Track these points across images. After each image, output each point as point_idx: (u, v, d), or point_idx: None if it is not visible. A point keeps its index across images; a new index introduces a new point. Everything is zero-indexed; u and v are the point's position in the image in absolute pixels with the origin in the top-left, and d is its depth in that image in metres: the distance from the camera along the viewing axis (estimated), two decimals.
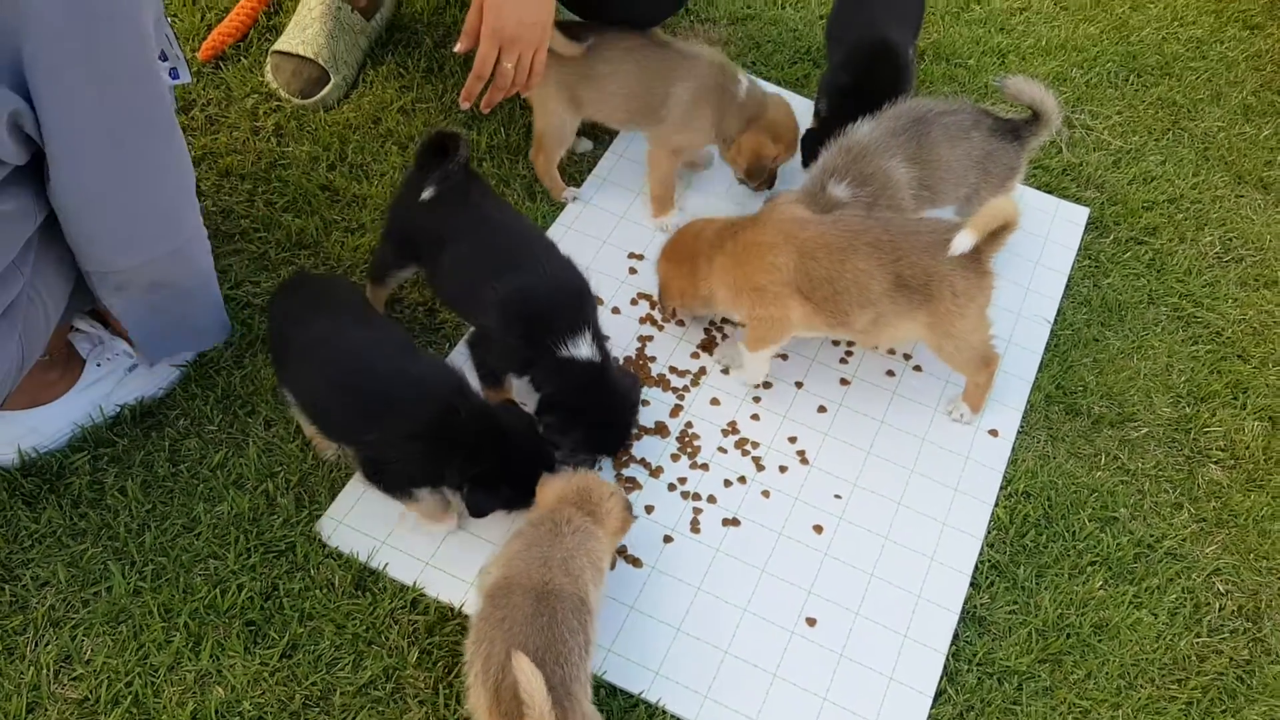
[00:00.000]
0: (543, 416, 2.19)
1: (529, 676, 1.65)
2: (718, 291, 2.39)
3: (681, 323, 2.59)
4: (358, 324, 2.15)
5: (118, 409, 2.25)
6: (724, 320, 2.59)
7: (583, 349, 2.17)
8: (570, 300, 2.20)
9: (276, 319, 2.23)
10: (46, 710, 1.90)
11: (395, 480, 2.09)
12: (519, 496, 2.09)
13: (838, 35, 2.88)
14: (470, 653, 1.81)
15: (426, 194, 2.23)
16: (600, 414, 2.21)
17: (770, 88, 2.80)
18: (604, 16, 2.63)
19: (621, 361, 2.50)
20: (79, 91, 1.64)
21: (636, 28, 2.63)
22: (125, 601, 2.03)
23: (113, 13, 1.61)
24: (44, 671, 1.94)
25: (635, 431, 2.38)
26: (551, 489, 2.04)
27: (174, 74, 2.35)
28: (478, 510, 2.07)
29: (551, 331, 2.15)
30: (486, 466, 2.05)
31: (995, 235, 2.23)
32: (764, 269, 2.30)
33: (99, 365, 2.24)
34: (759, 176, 2.70)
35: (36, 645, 1.97)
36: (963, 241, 2.21)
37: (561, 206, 2.77)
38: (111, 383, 2.25)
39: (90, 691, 1.93)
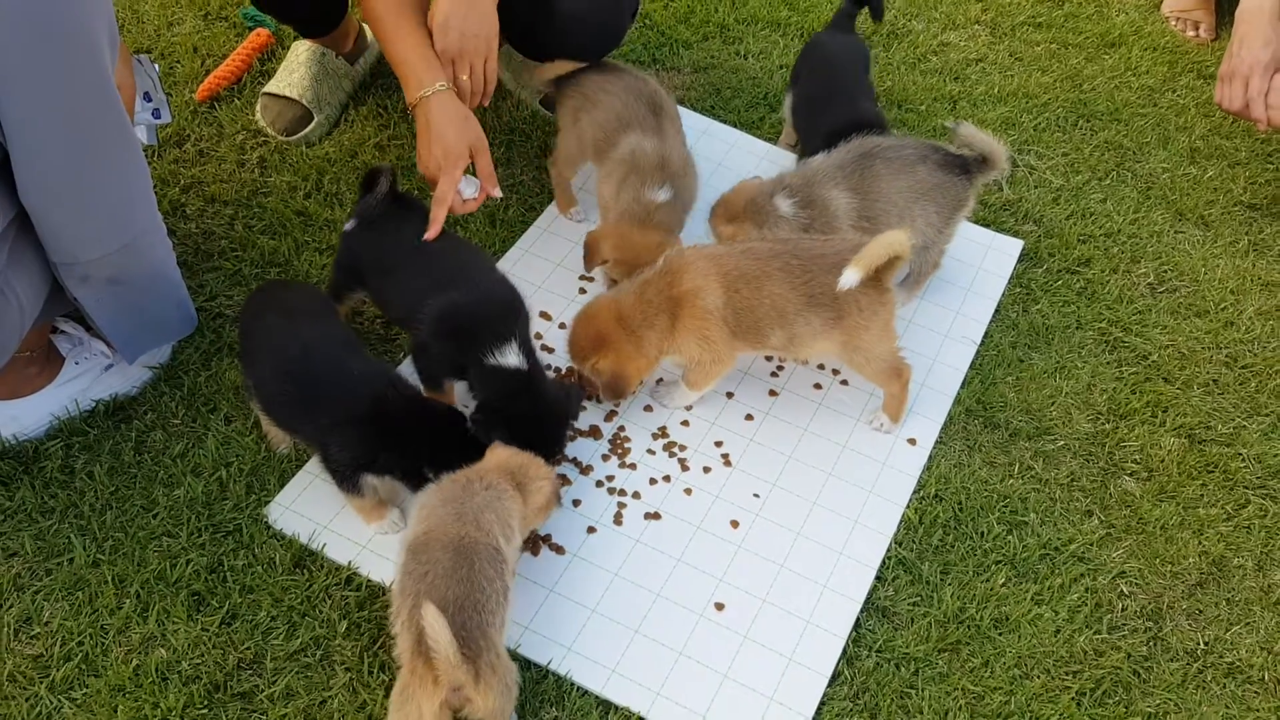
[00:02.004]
0: (474, 417, 2.36)
1: (433, 623, 1.79)
2: (686, 349, 2.50)
3: None
4: (311, 323, 2.36)
5: (93, 403, 2.46)
6: None
7: (510, 358, 2.34)
8: (498, 313, 2.38)
9: (245, 317, 2.43)
10: (5, 663, 2.08)
11: (341, 466, 2.27)
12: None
13: (811, 122, 3.02)
14: (396, 603, 1.97)
15: (349, 225, 2.49)
16: (525, 419, 2.34)
17: (729, 130, 2.99)
18: (543, 53, 2.86)
19: (564, 373, 2.68)
20: (37, 99, 1.87)
21: (578, 60, 2.85)
22: (84, 571, 2.22)
23: (66, 30, 1.84)
24: (4, 630, 2.13)
25: (569, 431, 2.54)
26: (498, 455, 2.20)
27: (157, 114, 2.62)
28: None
29: (479, 342, 2.33)
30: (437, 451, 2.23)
31: (889, 265, 2.38)
32: (700, 314, 2.45)
33: (77, 364, 2.46)
34: None
35: (1, 608, 2.16)
36: (849, 278, 2.36)
37: (520, 232, 2.98)
38: (88, 380, 2.46)
39: (45, 649, 2.11)
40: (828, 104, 2.97)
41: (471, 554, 1.96)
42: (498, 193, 2.62)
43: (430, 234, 2.46)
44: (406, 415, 2.24)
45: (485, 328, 2.35)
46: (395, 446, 2.23)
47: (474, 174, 2.59)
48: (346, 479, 2.28)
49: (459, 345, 2.36)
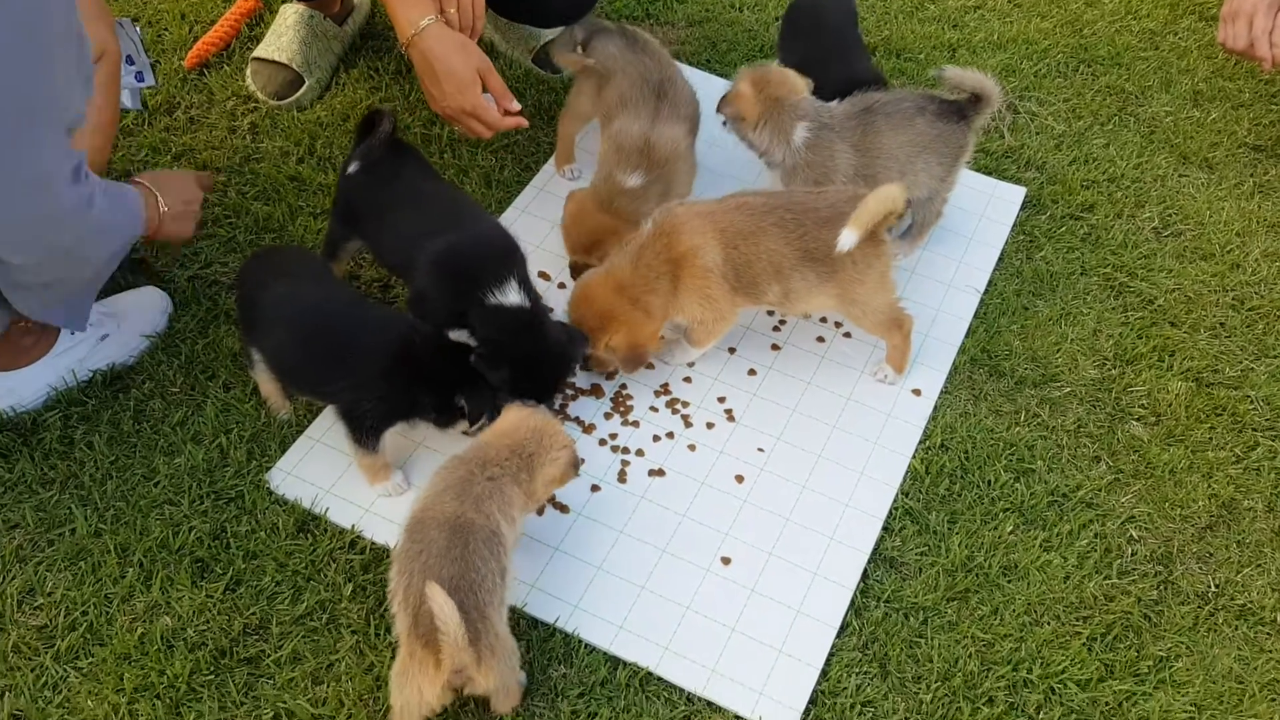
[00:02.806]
0: (477, 351, 2.33)
1: (442, 605, 1.79)
2: (688, 310, 2.47)
3: None
4: (318, 285, 2.34)
5: (90, 373, 2.44)
6: None
7: (511, 296, 2.32)
8: (496, 254, 2.36)
9: (246, 287, 2.40)
10: (9, 634, 2.08)
11: (374, 423, 2.25)
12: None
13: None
14: (393, 583, 1.96)
15: (351, 168, 2.44)
16: (529, 356, 2.33)
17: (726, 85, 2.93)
18: (517, 15, 2.82)
19: None
20: None
21: (550, 25, 2.81)
22: (86, 541, 2.21)
23: None
24: (8, 601, 2.12)
25: (570, 390, 2.53)
26: (511, 417, 2.15)
27: (140, 77, 2.59)
28: (476, 416, 2.27)
29: (478, 283, 2.31)
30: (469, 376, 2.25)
31: (883, 221, 2.35)
32: (700, 273, 2.42)
33: (72, 334, 2.44)
34: None
35: (3, 579, 2.16)
36: (847, 239, 2.33)
37: (516, 192, 2.95)
38: (84, 349, 2.44)
39: (50, 619, 2.11)
40: (824, 66, 2.90)
41: (467, 534, 1.93)
42: (516, 106, 2.62)
43: (525, 124, 2.62)
44: (436, 354, 2.25)
45: (484, 268, 2.34)
46: (431, 388, 2.23)
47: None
48: (371, 434, 2.26)
49: (457, 288, 2.34)
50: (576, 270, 2.69)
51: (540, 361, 2.36)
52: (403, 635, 1.90)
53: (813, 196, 2.44)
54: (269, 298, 2.30)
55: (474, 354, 2.30)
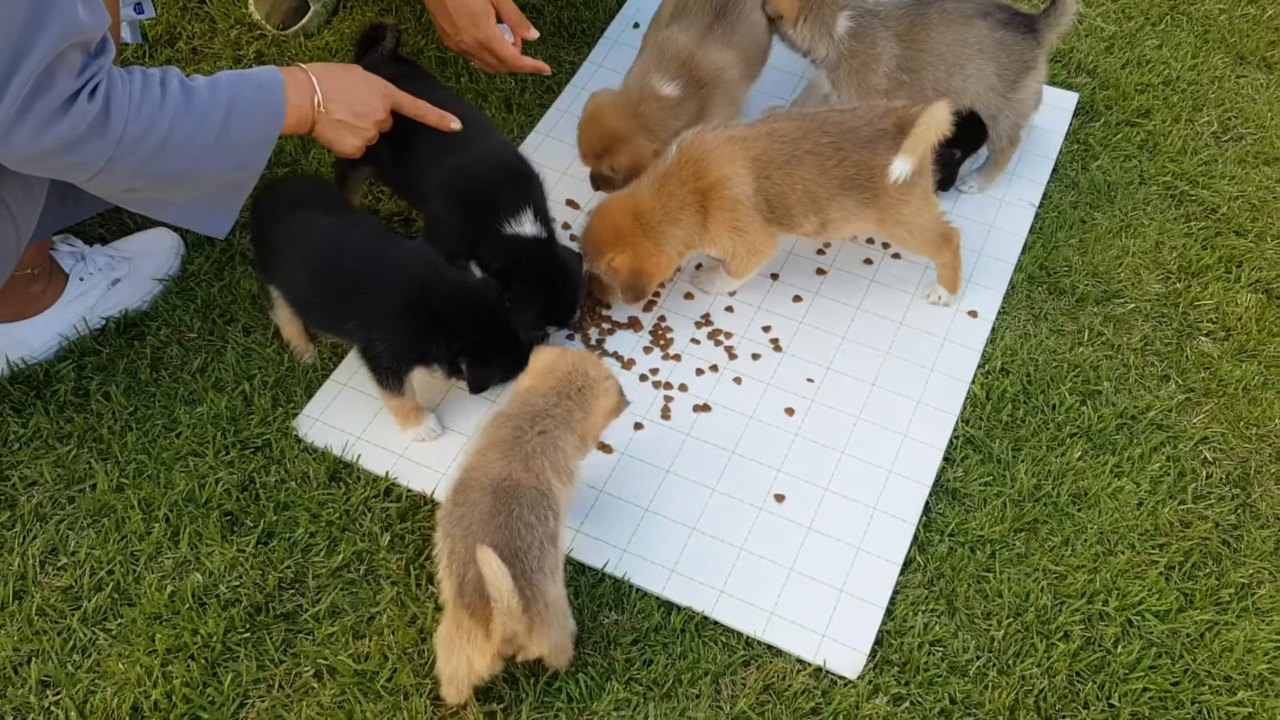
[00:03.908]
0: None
1: (495, 571, 1.67)
2: (719, 243, 2.32)
3: None
4: (334, 211, 2.21)
5: (102, 321, 2.32)
6: None
7: (525, 226, 2.19)
8: (510, 178, 2.22)
9: (260, 221, 2.26)
10: (33, 596, 1.98)
11: (388, 364, 2.13)
12: (514, 365, 2.12)
13: None
14: (438, 547, 1.84)
15: None
16: (545, 286, 2.23)
17: None
18: None
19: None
20: None
21: None
22: (108, 497, 2.10)
23: None
24: (30, 562, 2.02)
25: (606, 324, 2.40)
26: (543, 360, 2.00)
27: (139, 8, 2.42)
28: (478, 386, 2.12)
29: (493, 209, 2.17)
30: (475, 340, 2.09)
31: (933, 145, 2.20)
32: (730, 205, 2.26)
33: (82, 280, 2.32)
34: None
35: (24, 539, 2.05)
36: (900, 168, 2.19)
37: (538, 116, 2.79)
38: (95, 296, 2.32)
39: (75, 580, 2.01)
40: None
41: (511, 498, 1.81)
42: (533, 33, 2.49)
43: (547, 70, 2.51)
44: (452, 299, 2.11)
45: (498, 193, 2.22)
46: (442, 337, 2.10)
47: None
48: (390, 375, 2.14)
49: (469, 214, 2.22)
50: (595, 181, 2.55)
51: (554, 279, 2.25)
52: (449, 602, 1.80)
53: (848, 116, 2.28)
54: (282, 230, 2.17)
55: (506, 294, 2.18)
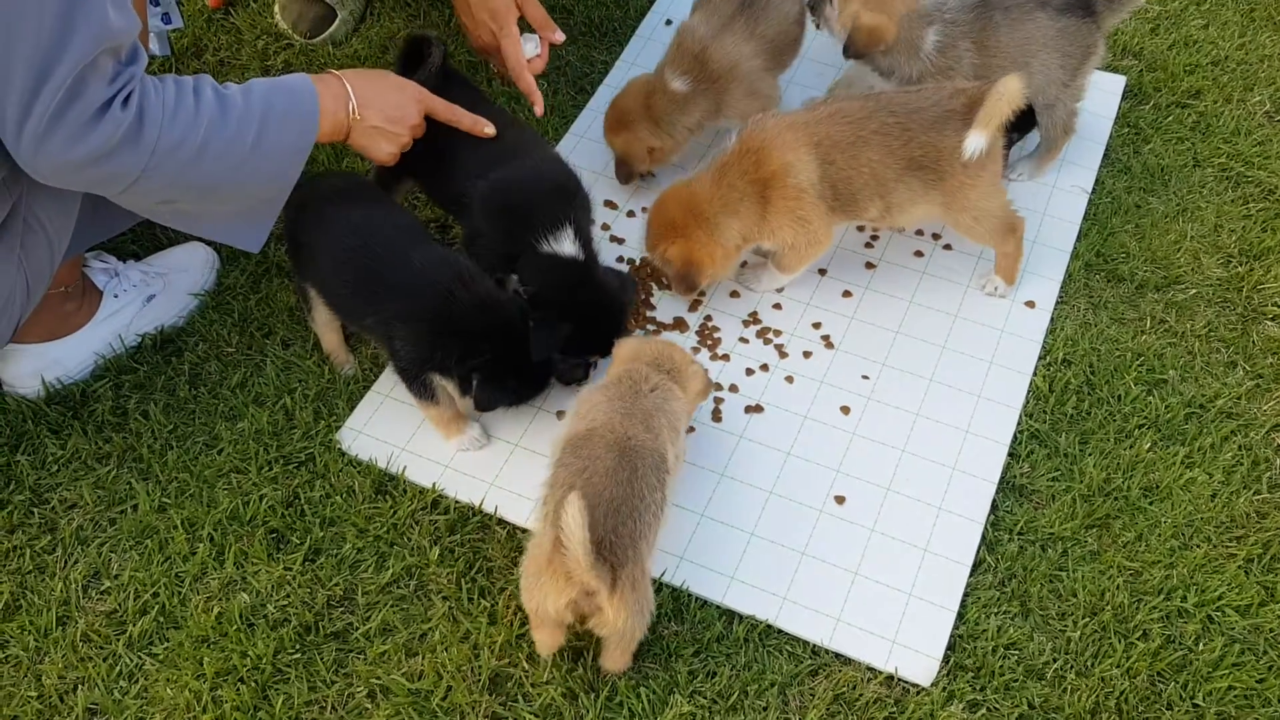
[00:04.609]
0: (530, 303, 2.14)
1: (573, 517, 1.61)
2: (780, 234, 2.25)
3: None
4: (369, 207, 2.15)
5: (138, 338, 2.27)
6: None
7: (565, 245, 2.12)
8: (552, 194, 2.15)
9: (292, 213, 2.18)
10: (76, 622, 1.93)
11: (405, 365, 2.08)
12: (526, 389, 2.06)
13: None
14: (545, 496, 1.81)
15: None
16: (586, 313, 2.14)
17: None
18: None
19: (639, 263, 2.45)
20: None
21: None
22: (150, 518, 2.05)
23: None
24: (73, 587, 1.96)
25: (652, 325, 2.33)
26: (628, 349, 2.01)
27: (167, 19, 2.38)
28: (487, 405, 2.05)
29: (531, 226, 2.11)
30: (489, 358, 2.02)
31: (1006, 118, 2.13)
32: (793, 194, 2.19)
33: (116, 296, 2.27)
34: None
35: (66, 563, 2.00)
36: (975, 143, 2.12)
37: (572, 118, 2.73)
38: (130, 313, 2.27)
39: (119, 604, 1.95)
40: None
41: (635, 458, 1.78)
42: (560, 36, 2.43)
43: (538, 110, 2.41)
44: (472, 310, 2.03)
45: (540, 208, 2.14)
46: (455, 349, 2.03)
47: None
48: (412, 380, 2.09)
49: (509, 231, 2.14)
50: (619, 167, 2.53)
51: (598, 314, 2.16)
52: (546, 542, 1.73)
53: (914, 96, 2.21)
54: (317, 221, 2.12)
55: (530, 315, 2.09)
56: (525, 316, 2.07)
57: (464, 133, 2.19)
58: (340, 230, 2.10)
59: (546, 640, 1.81)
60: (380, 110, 2.07)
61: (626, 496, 1.74)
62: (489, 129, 2.20)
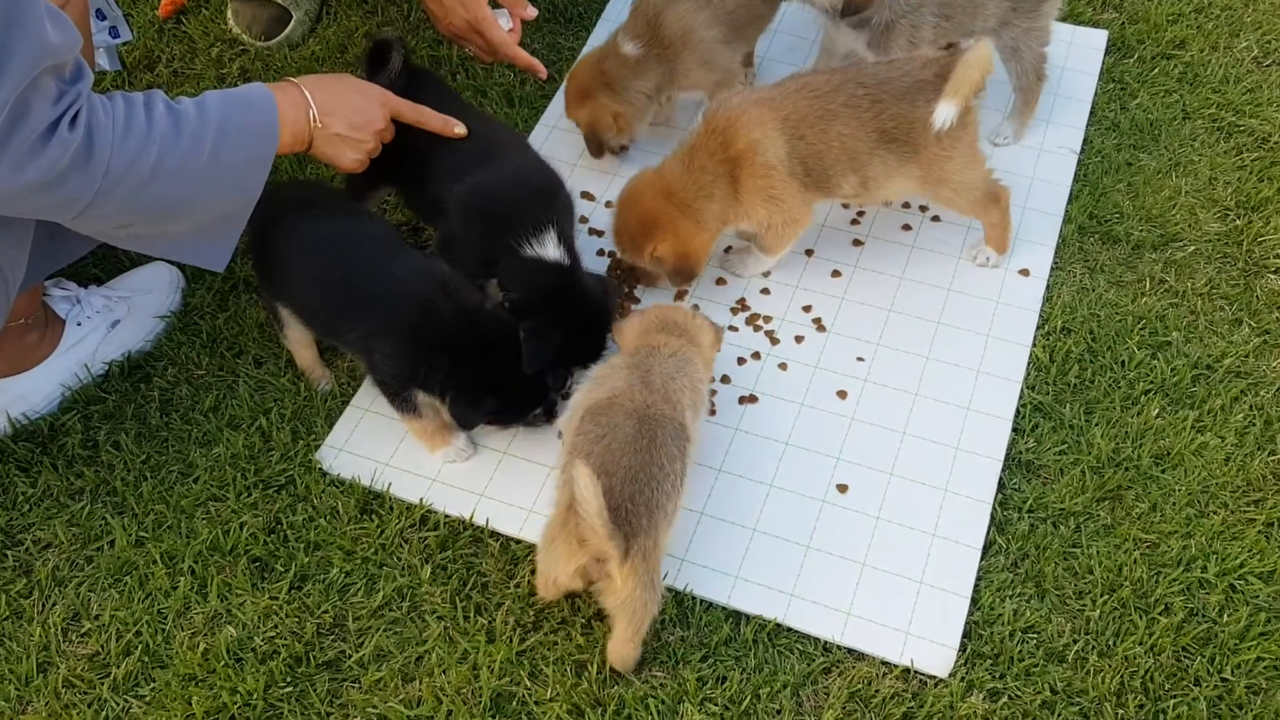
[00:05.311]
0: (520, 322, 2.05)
1: (586, 485, 1.58)
2: (753, 214, 2.18)
3: None
4: (340, 218, 2.06)
5: (105, 366, 2.19)
6: None
7: (548, 249, 2.04)
8: (532, 197, 2.07)
9: (256, 228, 2.09)
10: (58, 668, 1.85)
11: (386, 379, 2.00)
12: (507, 410, 1.98)
13: None
14: (564, 462, 1.78)
15: None
16: (572, 320, 2.05)
17: None
18: None
19: (611, 262, 2.38)
20: None
21: None
22: (128, 554, 1.97)
23: None
24: (53, 631, 1.88)
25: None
26: (631, 329, 1.97)
27: (115, 33, 2.28)
28: (463, 424, 1.97)
29: (513, 230, 2.02)
30: (469, 375, 1.94)
31: (977, 86, 2.05)
32: (762, 172, 2.12)
33: (79, 325, 2.18)
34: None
35: (44, 606, 1.92)
36: (945, 113, 2.04)
37: (542, 108, 2.65)
38: (95, 341, 2.18)
39: (101, 646, 1.87)
40: None
41: (656, 427, 1.75)
42: (532, 11, 2.38)
43: (541, 75, 2.41)
44: (454, 322, 1.95)
45: (520, 211, 2.05)
46: (439, 363, 1.95)
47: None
48: (394, 395, 2.02)
49: (486, 234, 2.06)
50: (589, 141, 2.46)
51: (585, 321, 2.08)
52: (560, 506, 1.72)
53: (884, 68, 2.13)
54: (284, 236, 2.03)
55: (522, 325, 2.01)
56: (510, 328, 1.98)
57: (438, 135, 2.10)
58: (311, 244, 2.01)
59: (547, 589, 1.81)
60: (343, 117, 1.98)
61: (645, 465, 1.71)
62: (459, 129, 2.11)
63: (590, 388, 1.88)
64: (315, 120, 1.93)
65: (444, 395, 1.95)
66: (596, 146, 2.45)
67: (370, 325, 1.96)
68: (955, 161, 2.14)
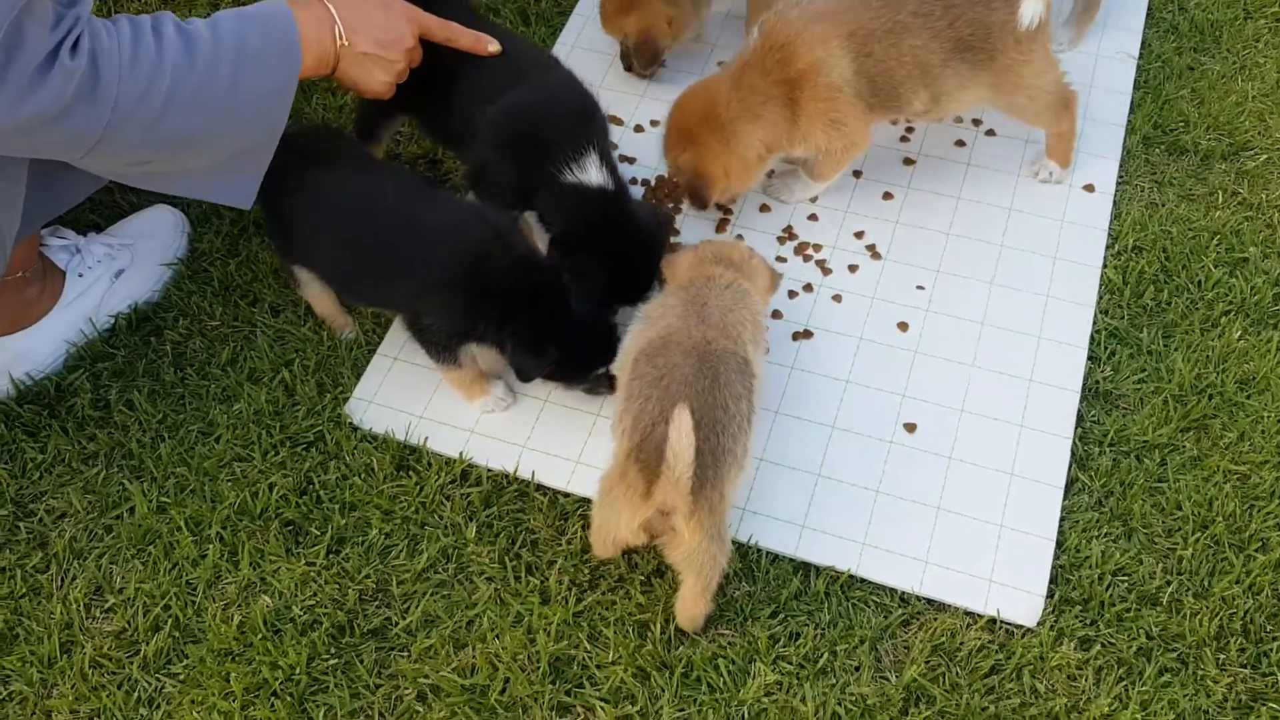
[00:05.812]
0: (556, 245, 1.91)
1: (681, 434, 1.47)
2: (812, 140, 2.02)
3: None
4: (364, 170, 1.90)
5: (111, 319, 2.04)
6: None
7: (591, 174, 1.88)
8: (570, 118, 1.90)
9: (271, 188, 1.95)
10: (83, 647, 1.72)
11: (436, 338, 1.87)
12: (571, 361, 1.84)
13: None
14: (620, 410, 1.65)
15: None
16: (624, 251, 1.90)
17: None
18: None
19: (654, 182, 2.22)
20: None
21: None
22: (150, 521, 1.84)
23: None
24: (74, 607, 1.76)
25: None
26: (684, 261, 1.83)
27: None
28: (523, 375, 1.83)
29: (551, 155, 1.86)
30: (531, 323, 1.79)
31: None
32: (825, 94, 1.96)
33: (81, 275, 2.03)
34: None
35: (63, 581, 1.79)
36: (1032, 8, 1.89)
37: (560, 25, 2.47)
38: (99, 292, 2.03)
39: (127, 621, 1.75)
40: None
41: (717, 364, 1.62)
42: (495, 48, 2.13)
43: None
44: (509, 272, 1.80)
45: (557, 135, 1.89)
46: (495, 315, 1.80)
47: None
48: (443, 350, 1.88)
49: (521, 160, 1.90)
50: (641, 51, 2.29)
51: (636, 253, 1.91)
52: (619, 456, 1.61)
53: None
54: (295, 191, 1.86)
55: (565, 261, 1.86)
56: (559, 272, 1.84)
57: (464, 55, 1.93)
58: (338, 204, 1.85)
59: (604, 548, 1.71)
60: (369, 34, 1.80)
61: (709, 407, 1.57)
62: (493, 46, 1.93)
63: (642, 328, 1.74)
64: (342, 38, 1.76)
65: (502, 346, 1.80)
66: (648, 57, 2.27)
67: (420, 283, 1.80)
68: (1033, 66, 1.99)
